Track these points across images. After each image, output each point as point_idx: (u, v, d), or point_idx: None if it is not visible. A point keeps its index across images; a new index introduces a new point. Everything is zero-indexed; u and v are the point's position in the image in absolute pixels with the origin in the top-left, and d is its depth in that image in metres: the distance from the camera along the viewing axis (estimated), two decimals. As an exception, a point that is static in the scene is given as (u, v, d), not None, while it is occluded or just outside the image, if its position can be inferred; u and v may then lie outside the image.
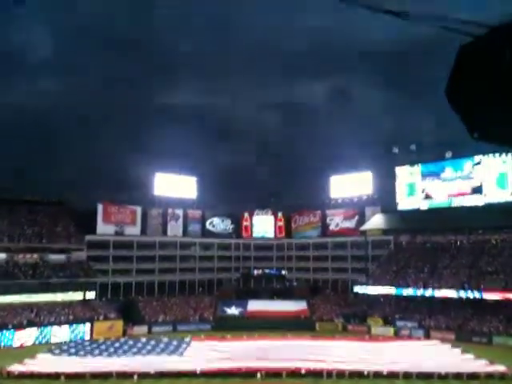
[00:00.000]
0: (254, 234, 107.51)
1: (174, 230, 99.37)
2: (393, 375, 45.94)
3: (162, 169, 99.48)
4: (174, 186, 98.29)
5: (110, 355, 55.32)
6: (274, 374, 46.77)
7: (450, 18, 2.30)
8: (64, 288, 74.74)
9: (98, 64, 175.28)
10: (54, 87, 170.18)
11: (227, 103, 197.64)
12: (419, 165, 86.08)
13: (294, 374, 46.83)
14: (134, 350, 57.98)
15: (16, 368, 48.28)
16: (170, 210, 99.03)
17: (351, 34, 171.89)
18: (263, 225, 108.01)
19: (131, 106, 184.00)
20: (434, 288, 73.09)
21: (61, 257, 79.55)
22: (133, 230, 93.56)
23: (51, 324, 67.99)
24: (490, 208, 75.96)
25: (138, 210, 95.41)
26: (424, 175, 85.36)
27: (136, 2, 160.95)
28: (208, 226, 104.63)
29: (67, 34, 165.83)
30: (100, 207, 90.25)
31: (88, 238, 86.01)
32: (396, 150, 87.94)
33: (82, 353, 56.32)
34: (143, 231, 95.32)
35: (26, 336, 65.17)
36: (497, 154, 76.79)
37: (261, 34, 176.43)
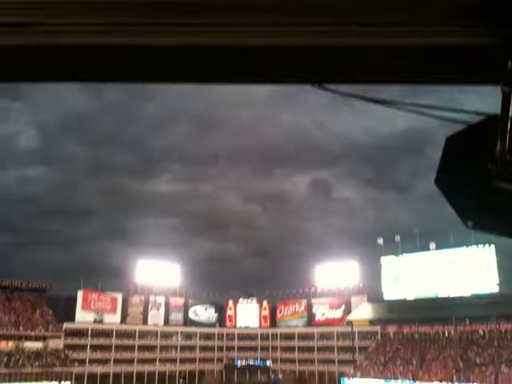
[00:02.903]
0: (238, 323, 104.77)
1: (155, 318, 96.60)
2: None
3: (144, 255, 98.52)
4: (157, 273, 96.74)
5: None
6: None
7: (440, 106, 2.28)
8: (38, 378, 71.29)
9: (82, 152, 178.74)
10: (38, 175, 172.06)
11: (211, 192, 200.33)
12: (404, 255, 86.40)
13: None
14: None
15: None
16: (151, 298, 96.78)
17: (335, 129, 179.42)
18: (248, 314, 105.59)
19: (117, 193, 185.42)
20: (422, 380, 71.00)
21: (37, 345, 76.47)
22: (112, 318, 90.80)
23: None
24: (476, 299, 75.59)
25: (119, 297, 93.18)
26: (409, 266, 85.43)
27: (120, 100, 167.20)
28: (191, 314, 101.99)
29: (49, 124, 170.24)
30: (80, 294, 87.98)
31: (66, 325, 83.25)
32: (381, 241, 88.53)
33: None
34: (123, 319, 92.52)
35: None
36: (480, 245, 77.58)
37: (244, 127, 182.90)
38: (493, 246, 76.36)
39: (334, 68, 2.25)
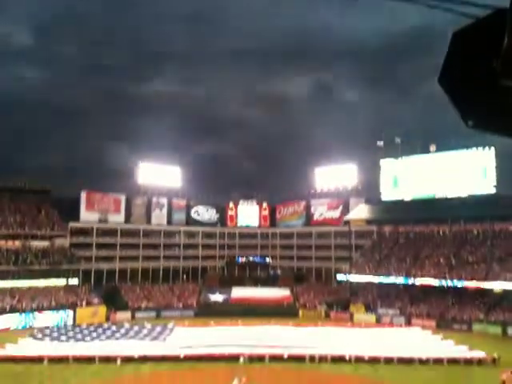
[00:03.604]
0: (239, 223, 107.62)
1: (159, 218, 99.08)
2: (374, 360, 46.51)
3: (145, 158, 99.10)
4: (158, 175, 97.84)
5: (92, 340, 55.13)
6: (257, 358, 47.10)
7: None
8: (46, 274, 74.25)
9: (79, 53, 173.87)
10: (36, 75, 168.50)
11: (211, 95, 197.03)
12: (403, 158, 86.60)
13: (277, 358, 47.25)
14: (117, 335, 57.89)
15: (-3, 352, 47.90)
16: (154, 199, 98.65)
17: (334, 28, 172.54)
18: (248, 214, 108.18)
19: (116, 95, 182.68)
20: (415, 277, 74.00)
21: (44, 243, 78.92)
22: (117, 218, 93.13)
23: (33, 310, 67.54)
24: (472, 199, 76.87)
25: (122, 198, 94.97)
26: (408, 168, 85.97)
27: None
28: (193, 214, 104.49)
29: (44, 23, 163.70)
30: (83, 195, 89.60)
31: (71, 224, 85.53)
32: (381, 144, 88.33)
33: (64, 338, 56.06)
34: (127, 219, 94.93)
35: (8, 321, 64.65)
36: (480, 148, 77.65)
37: (243, 26, 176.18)
38: (493, 148, 76.52)
39: None
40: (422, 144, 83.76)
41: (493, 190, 76.18)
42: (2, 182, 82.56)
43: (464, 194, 78.48)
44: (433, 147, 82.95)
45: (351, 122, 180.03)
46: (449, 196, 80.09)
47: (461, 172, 79.17)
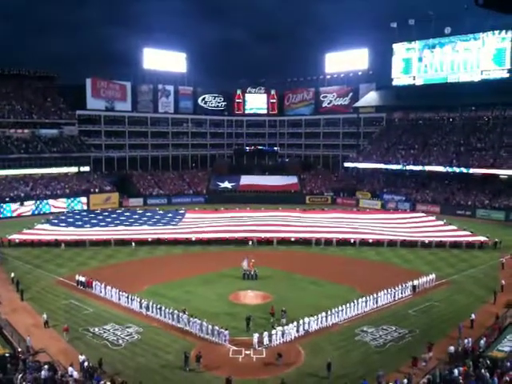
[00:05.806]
0: (247, 112, 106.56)
1: (166, 106, 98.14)
2: (378, 243, 48.13)
3: (149, 44, 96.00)
4: (163, 61, 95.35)
5: (107, 225, 57.18)
6: (266, 241, 48.91)
7: None
8: (58, 163, 75.28)
9: None
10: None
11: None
12: (417, 42, 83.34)
13: (284, 241, 49.04)
14: (131, 220, 59.97)
15: (16, 237, 49.85)
16: (160, 86, 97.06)
17: None
18: (256, 102, 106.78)
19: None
20: (423, 164, 74.44)
21: (53, 131, 79.05)
22: (123, 106, 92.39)
23: (47, 197, 69.32)
24: (485, 84, 74.99)
25: (128, 85, 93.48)
26: (421, 51, 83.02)
27: None
28: (200, 102, 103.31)
29: None
30: (89, 82, 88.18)
31: (79, 112, 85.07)
32: (394, 25, 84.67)
33: (79, 223, 58.13)
34: (134, 107, 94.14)
35: (23, 208, 66.57)
36: (496, 32, 74.45)
37: None
38: (510, 31, 73.37)
39: None
40: (436, 26, 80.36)
41: (506, 75, 74.16)
42: (5, 69, 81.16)
43: (477, 79, 76.51)
44: (448, 30, 79.69)
45: (364, 3, 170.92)
46: (461, 80, 78.18)
47: (475, 56, 76.58)
